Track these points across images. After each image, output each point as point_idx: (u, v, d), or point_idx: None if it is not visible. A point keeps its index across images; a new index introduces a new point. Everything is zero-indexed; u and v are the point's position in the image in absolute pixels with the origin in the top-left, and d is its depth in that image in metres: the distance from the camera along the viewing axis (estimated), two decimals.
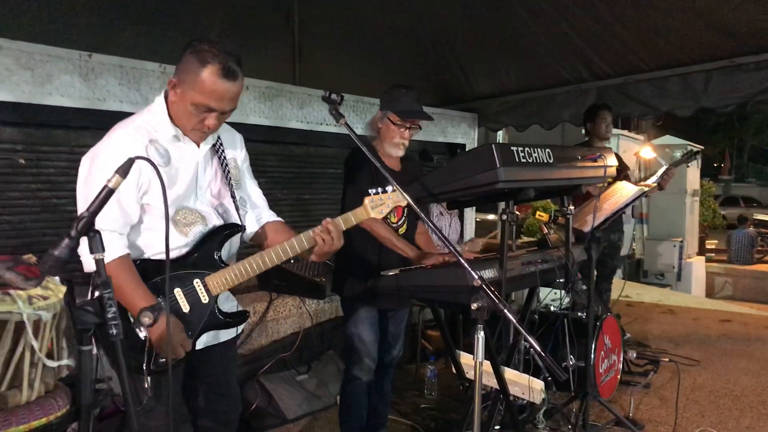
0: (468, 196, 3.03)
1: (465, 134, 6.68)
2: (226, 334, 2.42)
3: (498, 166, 2.68)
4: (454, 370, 3.46)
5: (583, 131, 5.33)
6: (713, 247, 15.54)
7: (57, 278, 2.26)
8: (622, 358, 4.52)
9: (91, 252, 1.69)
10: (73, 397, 2.22)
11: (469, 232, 6.80)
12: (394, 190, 2.30)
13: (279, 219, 2.53)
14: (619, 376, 4.45)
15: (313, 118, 5.01)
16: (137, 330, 2.09)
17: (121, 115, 3.85)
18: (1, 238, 3.53)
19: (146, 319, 1.86)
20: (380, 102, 3.34)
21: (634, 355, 4.97)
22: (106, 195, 1.70)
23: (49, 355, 2.14)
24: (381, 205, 2.29)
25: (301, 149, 5.22)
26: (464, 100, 6.64)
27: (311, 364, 4.49)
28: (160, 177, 1.77)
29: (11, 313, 1.99)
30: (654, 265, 11.19)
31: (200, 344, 2.28)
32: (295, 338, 4.45)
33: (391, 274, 3.05)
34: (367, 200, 2.29)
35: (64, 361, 2.23)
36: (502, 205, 3.11)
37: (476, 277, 2.07)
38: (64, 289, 2.24)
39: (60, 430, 2.19)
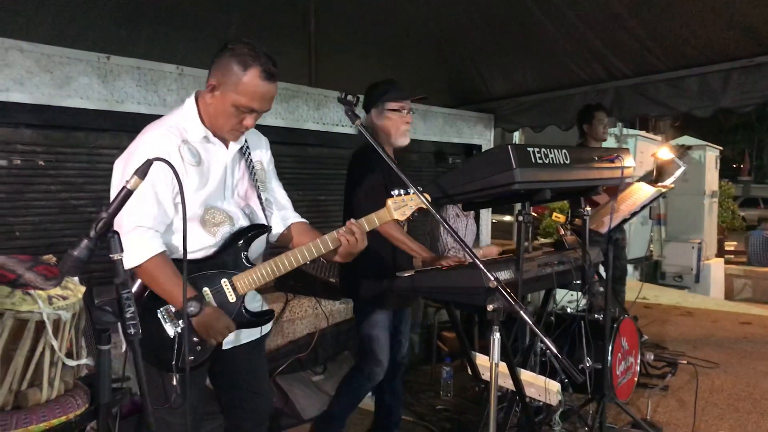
0: (484, 197, 3.03)
1: (481, 135, 6.66)
2: (251, 335, 2.44)
3: (514, 167, 2.68)
4: (469, 372, 3.45)
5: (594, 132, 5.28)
6: (732, 248, 15.36)
7: (76, 278, 2.28)
8: (639, 360, 4.49)
9: (110, 252, 1.71)
10: (91, 396, 2.25)
11: (485, 233, 6.78)
12: (408, 193, 2.30)
13: (303, 220, 2.56)
14: (636, 378, 4.42)
15: (329, 119, 5.02)
16: (165, 328, 2.15)
17: (139, 117, 3.94)
18: (22, 238, 3.57)
19: (192, 309, 1.98)
20: (366, 104, 3.31)
21: (652, 357, 4.93)
22: (124, 196, 1.72)
23: (69, 355, 2.16)
24: (404, 206, 2.29)
25: (317, 150, 5.23)
26: (480, 100, 6.62)
27: (327, 364, 4.50)
28: (178, 179, 1.79)
29: (32, 312, 2.01)
30: (672, 267, 11.08)
31: (227, 344, 2.31)
32: (311, 339, 4.46)
33: (406, 275, 3.05)
34: (390, 201, 2.29)
35: (83, 361, 2.25)
36: (518, 206, 3.10)
37: (492, 278, 2.07)
38: (83, 289, 2.27)
39: (79, 428, 2.21)
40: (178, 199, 2.10)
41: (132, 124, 3.96)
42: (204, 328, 2.11)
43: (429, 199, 2.27)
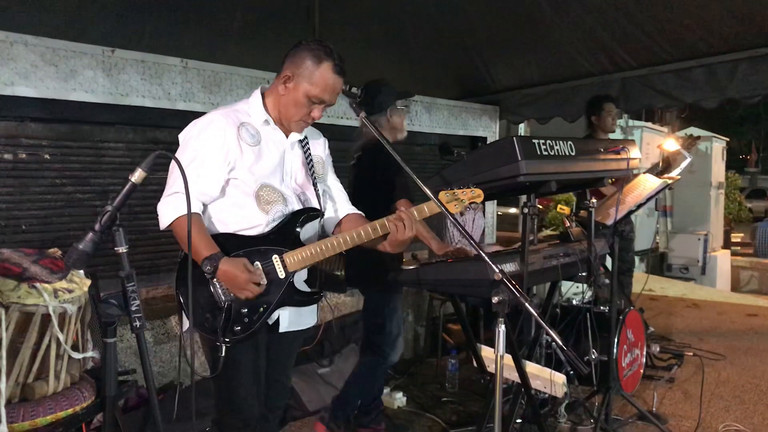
0: (489, 189, 3.00)
1: (486, 127, 6.64)
2: (308, 321, 2.55)
3: (519, 159, 2.67)
4: (475, 364, 3.46)
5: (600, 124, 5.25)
6: (739, 240, 15.31)
7: (81, 272, 2.29)
8: (645, 352, 4.49)
9: (115, 246, 1.72)
10: (98, 389, 2.26)
11: (490, 226, 6.77)
12: (469, 186, 2.32)
13: (359, 212, 2.63)
14: (642, 370, 4.41)
15: (333, 111, 5.01)
16: (219, 298, 2.22)
17: (144, 110, 3.95)
18: (27, 232, 3.59)
19: (207, 268, 2.08)
20: (381, 103, 3.47)
21: (658, 349, 4.92)
22: (129, 189, 1.73)
23: (74, 347, 2.18)
24: (455, 200, 2.32)
25: None
26: (486, 92, 6.60)
27: (333, 357, 4.51)
28: (181, 168, 1.81)
29: (37, 305, 2.02)
30: (678, 259, 11.05)
31: (283, 327, 2.40)
32: (317, 331, 4.45)
33: (411, 267, 3.05)
34: (443, 194, 2.32)
35: (89, 353, 2.27)
36: (524, 198, 3.10)
37: (497, 270, 2.06)
38: (88, 282, 2.28)
39: (85, 420, 2.23)
40: (232, 175, 2.27)
41: (137, 118, 3.98)
42: (229, 285, 2.19)
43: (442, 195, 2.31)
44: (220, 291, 2.22)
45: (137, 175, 1.72)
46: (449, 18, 5.30)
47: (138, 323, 1.79)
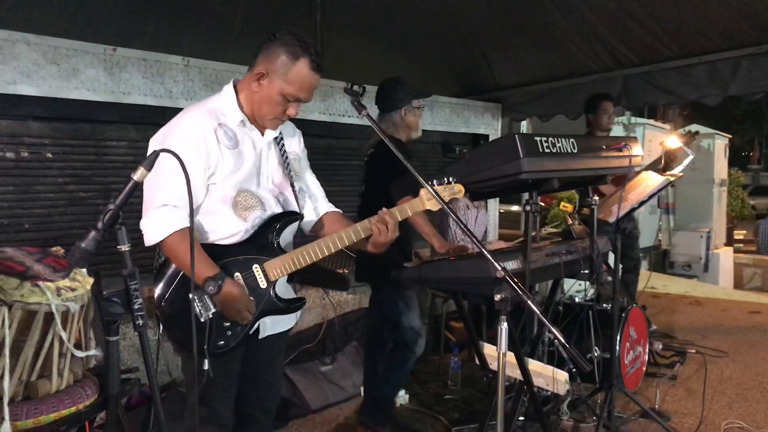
0: (491, 187, 3.01)
1: (488, 125, 6.64)
2: (287, 324, 2.49)
3: (521, 156, 2.66)
4: (477, 362, 3.46)
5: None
6: (741, 237, 15.27)
7: (84, 270, 2.30)
8: (647, 350, 4.48)
9: (118, 244, 1.72)
10: (100, 387, 2.26)
11: (492, 224, 6.77)
12: (450, 182, 2.30)
13: (337, 210, 2.59)
14: (644, 368, 4.41)
15: (335, 109, 5.01)
16: (198, 313, 2.15)
17: (146, 109, 3.96)
18: (30, 230, 3.60)
19: (211, 288, 2.02)
20: (394, 102, 3.49)
21: (660, 346, 4.91)
22: (131, 188, 1.73)
23: (77, 346, 2.18)
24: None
25: (323, 141, 5.22)
26: (488, 90, 6.59)
27: (335, 355, 4.51)
28: (185, 170, 1.76)
29: (40, 304, 2.02)
30: (680, 256, 11.03)
31: (264, 332, 2.35)
32: (319, 329, 4.47)
33: (413, 265, 3.05)
34: (423, 192, 2.28)
35: (92, 352, 2.27)
36: (526, 195, 3.09)
37: (499, 268, 2.06)
38: (91, 280, 2.28)
39: (88, 418, 2.23)
40: (211, 180, 2.18)
41: (138, 116, 3.99)
42: (224, 307, 2.13)
43: (445, 191, 2.28)
44: (200, 306, 2.16)
45: (140, 174, 1.72)
46: (451, 15, 5.29)
47: (140, 321, 1.79)
